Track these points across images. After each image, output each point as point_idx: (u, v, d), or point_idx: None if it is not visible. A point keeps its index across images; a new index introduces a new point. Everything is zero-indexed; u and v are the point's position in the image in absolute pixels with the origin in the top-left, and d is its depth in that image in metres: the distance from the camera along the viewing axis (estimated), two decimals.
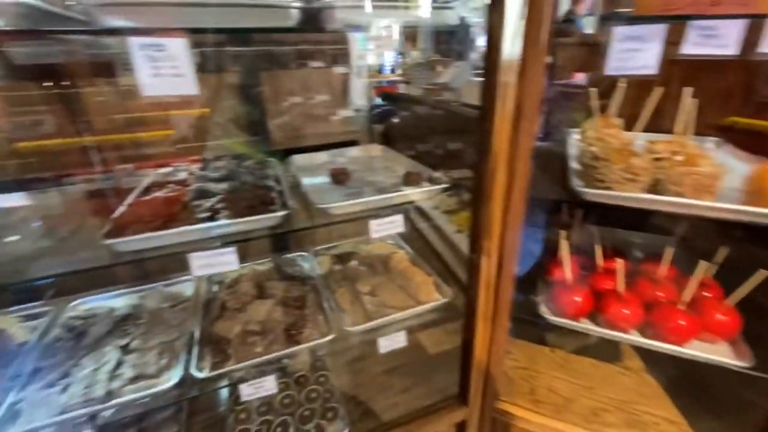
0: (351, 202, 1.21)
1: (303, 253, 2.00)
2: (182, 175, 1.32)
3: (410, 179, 1.36)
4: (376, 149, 1.86)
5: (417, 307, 1.51)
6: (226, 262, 1.02)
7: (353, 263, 1.82)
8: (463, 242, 1.79)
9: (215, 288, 1.72)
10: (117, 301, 1.65)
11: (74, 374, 1.22)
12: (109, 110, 2.02)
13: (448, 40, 3.01)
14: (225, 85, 2.24)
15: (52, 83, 1.91)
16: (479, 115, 1.14)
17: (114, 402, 1.13)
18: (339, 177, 1.43)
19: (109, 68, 1.82)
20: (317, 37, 2.56)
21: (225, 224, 1.05)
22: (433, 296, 1.61)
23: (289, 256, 1.95)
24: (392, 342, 1.48)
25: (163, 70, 0.76)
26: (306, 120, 2.79)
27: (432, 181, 1.40)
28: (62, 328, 1.43)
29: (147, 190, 1.30)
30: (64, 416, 1.09)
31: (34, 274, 1.15)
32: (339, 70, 2.69)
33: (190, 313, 1.53)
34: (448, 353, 2.00)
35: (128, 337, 1.33)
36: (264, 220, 1.08)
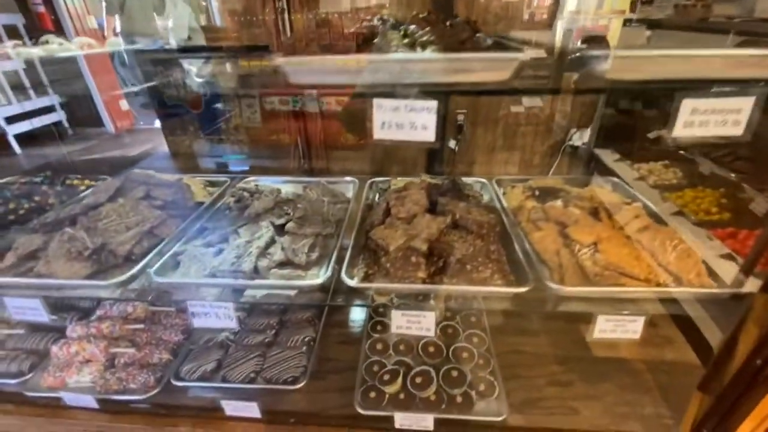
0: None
1: (481, 180, 1.55)
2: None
3: None
4: None
5: (685, 289, 0.90)
6: (420, 124, 0.64)
7: (558, 203, 1.27)
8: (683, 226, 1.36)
9: (379, 196, 1.45)
10: (285, 186, 1.56)
11: (231, 241, 1.11)
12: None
13: None
14: None
15: None
16: None
17: (258, 282, 0.96)
18: None
19: None
20: None
21: (429, 57, 0.64)
22: (704, 279, 0.95)
23: (465, 179, 1.53)
24: (617, 327, 0.93)
25: None
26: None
27: None
28: (232, 197, 1.38)
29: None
30: (211, 280, 0.96)
31: None
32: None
33: (350, 213, 1.30)
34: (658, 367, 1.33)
35: (285, 218, 1.16)
36: (501, 61, 0.63)
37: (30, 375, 1.30)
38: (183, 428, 1.16)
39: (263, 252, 1.03)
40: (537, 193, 1.42)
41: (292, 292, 1.08)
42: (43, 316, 1.03)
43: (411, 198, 1.15)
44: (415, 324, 0.96)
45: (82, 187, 1.50)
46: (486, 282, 0.97)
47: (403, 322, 0.96)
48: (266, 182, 1.56)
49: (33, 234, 1.12)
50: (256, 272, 0.98)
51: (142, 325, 1.45)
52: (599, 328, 0.93)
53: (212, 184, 1.58)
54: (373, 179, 1.55)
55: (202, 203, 1.39)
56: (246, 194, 1.33)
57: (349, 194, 1.50)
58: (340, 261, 1.06)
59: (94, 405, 1.21)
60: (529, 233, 1.15)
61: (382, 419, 1.15)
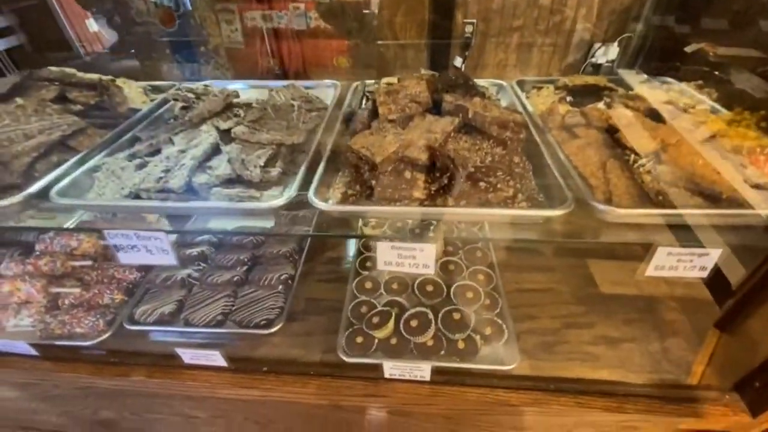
0: None
1: (498, 82, 1.23)
2: None
3: None
4: None
5: None
6: None
7: (600, 105, 0.97)
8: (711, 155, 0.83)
9: (366, 101, 1.14)
10: (249, 92, 1.24)
11: (162, 152, 0.83)
12: None
13: None
14: None
15: None
16: None
17: (190, 205, 0.70)
18: None
19: None
20: None
21: None
22: None
23: (478, 81, 1.20)
24: (680, 263, 0.69)
25: None
26: None
27: None
28: (175, 100, 1.06)
29: None
30: (125, 203, 0.70)
31: None
32: None
33: (326, 121, 1.00)
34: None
35: (233, 120, 0.86)
36: None
37: None
38: (136, 378, 0.99)
39: (202, 164, 0.75)
40: (570, 98, 1.10)
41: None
42: None
43: (407, 93, 0.84)
44: (409, 260, 0.71)
45: None
46: (507, 204, 0.71)
47: (393, 257, 0.72)
48: (227, 86, 1.23)
49: None
50: (189, 192, 0.71)
51: (90, 261, 1.23)
52: (656, 264, 0.69)
53: (157, 89, 1.25)
54: (359, 82, 1.22)
55: (138, 110, 1.08)
56: (192, 96, 1.01)
57: (330, 101, 1.18)
58: (311, 180, 0.79)
59: (32, 352, 1.03)
60: (564, 143, 0.86)
61: (369, 368, 0.97)
